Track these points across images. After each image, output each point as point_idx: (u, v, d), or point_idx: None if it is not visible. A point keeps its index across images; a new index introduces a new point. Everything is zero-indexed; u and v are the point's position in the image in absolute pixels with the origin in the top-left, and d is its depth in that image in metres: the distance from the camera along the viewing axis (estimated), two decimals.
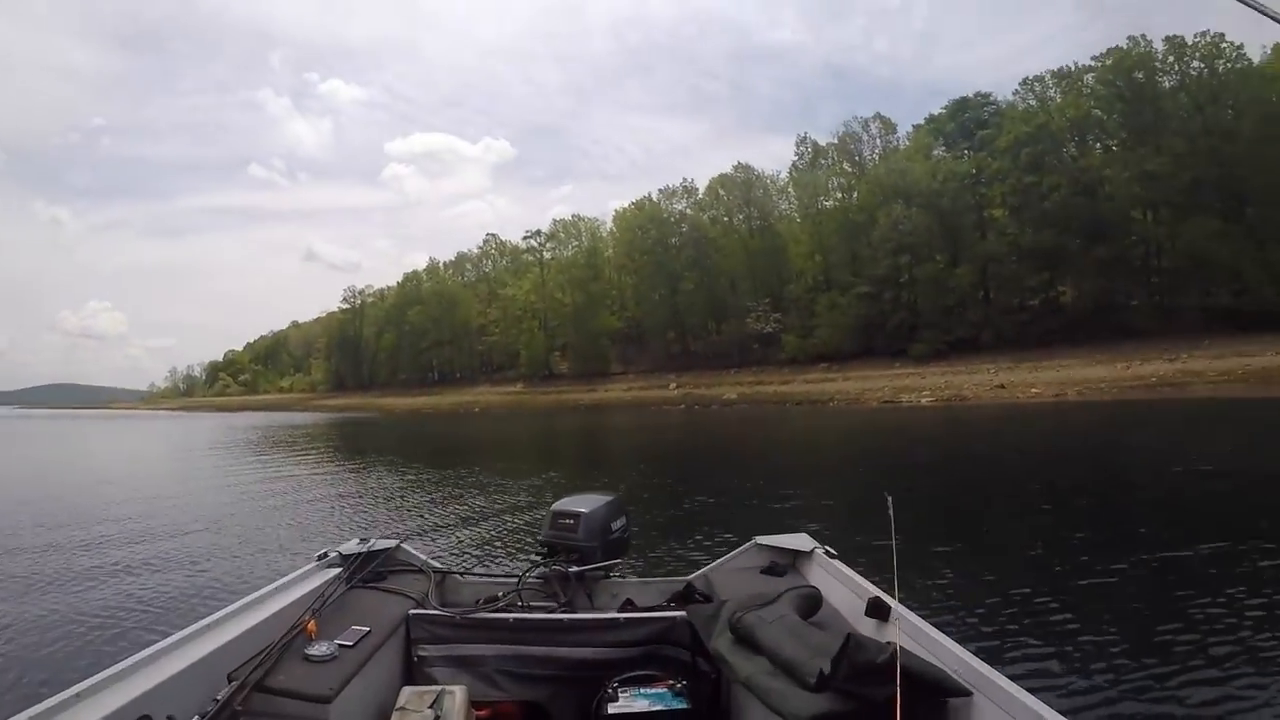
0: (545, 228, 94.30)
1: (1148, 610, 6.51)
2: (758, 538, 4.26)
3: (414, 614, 3.33)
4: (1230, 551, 8.12)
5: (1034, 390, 44.63)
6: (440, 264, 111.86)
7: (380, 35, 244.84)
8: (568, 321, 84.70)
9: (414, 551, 4.22)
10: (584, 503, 4.14)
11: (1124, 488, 13.91)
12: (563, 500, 4.21)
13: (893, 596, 2.80)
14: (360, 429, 48.47)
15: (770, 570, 3.94)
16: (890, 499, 2.81)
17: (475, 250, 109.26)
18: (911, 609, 2.72)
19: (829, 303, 65.62)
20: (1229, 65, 58.26)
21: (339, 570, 3.60)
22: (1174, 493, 12.53)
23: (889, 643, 2.01)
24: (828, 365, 63.54)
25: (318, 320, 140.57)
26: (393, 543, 4.14)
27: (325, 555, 3.80)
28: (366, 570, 3.68)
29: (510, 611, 3.41)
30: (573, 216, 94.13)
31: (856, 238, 65.94)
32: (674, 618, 3.29)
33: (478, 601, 3.53)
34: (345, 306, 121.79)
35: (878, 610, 2.86)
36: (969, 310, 60.88)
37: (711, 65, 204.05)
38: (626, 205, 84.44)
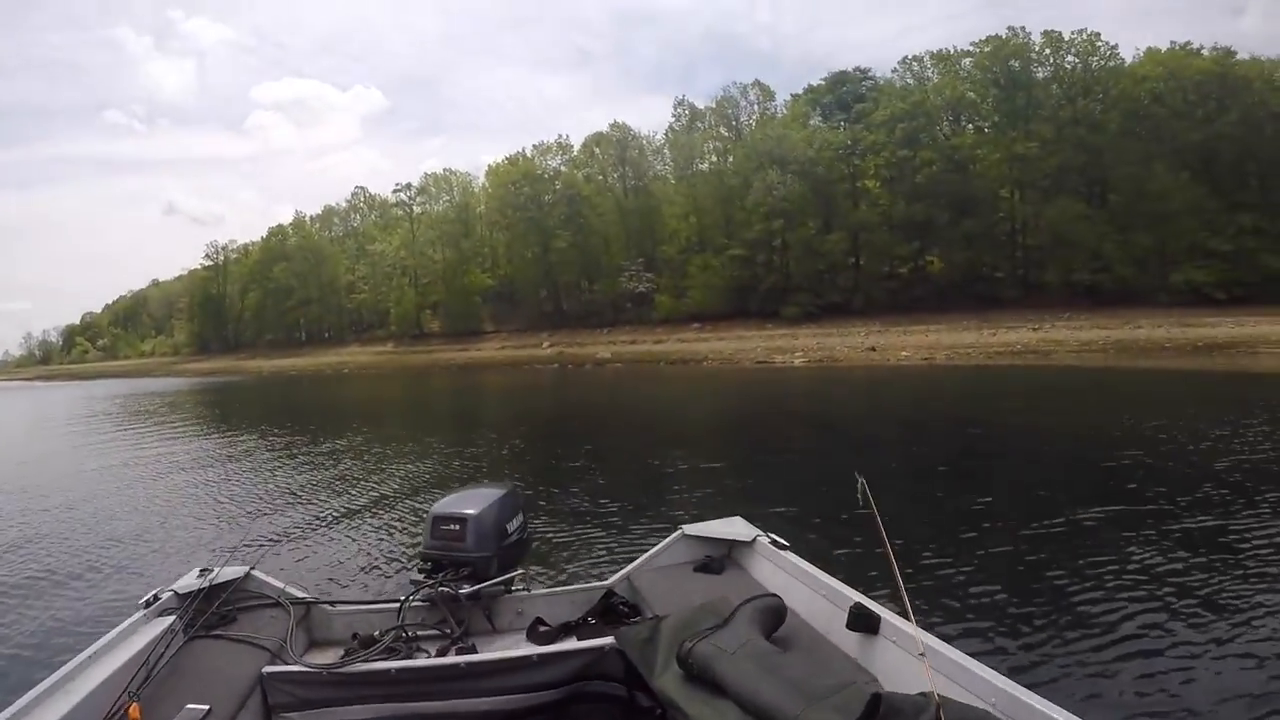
0: (416, 182, 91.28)
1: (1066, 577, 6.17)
2: (685, 527, 3.70)
3: (269, 672, 2.69)
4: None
5: (904, 353, 44.97)
6: (307, 218, 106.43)
7: None
8: (439, 279, 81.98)
9: (269, 580, 3.54)
10: (470, 501, 3.42)
11: (1011, 450, 13.64)
12: (444, 501, 3.51)
13: (879, 600, 2.38)
14: (222, 396, 45.90)
15: (705, 567, 3.41)
16: (862, 481, 2.49)
17: (344, 204, 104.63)
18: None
19: (702, 264, 65.42)
20: (1102, 62, 62.36)
21: (173, 618, 2.90)
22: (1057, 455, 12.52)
23: (926, 694, 1.62)
24: (700, 326, 63.50)
25: (179, 279, 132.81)
26: (242, 570, 3.46)
27: (155, 599, 3.05)
28: (209, 613, 3.00)
29: (393, 658, 2.85)
30: (444, 171, 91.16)
31: (731, 201, 65.79)
32: (600, 648, 2.78)
33: (352, 638, 3.05)
34: (208, 263, 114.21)
35: (863, 622, 2.36)
36: (840, 276, 61.97)
37: (594, 23, 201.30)
38: (500, 160, 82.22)
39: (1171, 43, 63.97)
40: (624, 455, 14.35)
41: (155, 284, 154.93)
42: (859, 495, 2.54)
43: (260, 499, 11.55)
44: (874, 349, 48.12)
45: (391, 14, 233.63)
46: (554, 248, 72.27)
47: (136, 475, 14.53)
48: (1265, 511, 7.81)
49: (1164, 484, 9.26)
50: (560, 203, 73.23)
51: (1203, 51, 63.55)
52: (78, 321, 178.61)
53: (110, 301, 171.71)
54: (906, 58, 66.01)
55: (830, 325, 56.90)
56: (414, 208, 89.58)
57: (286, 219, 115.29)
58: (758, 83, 73.53)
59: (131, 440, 21.02)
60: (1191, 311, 48.53)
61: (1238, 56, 64.02)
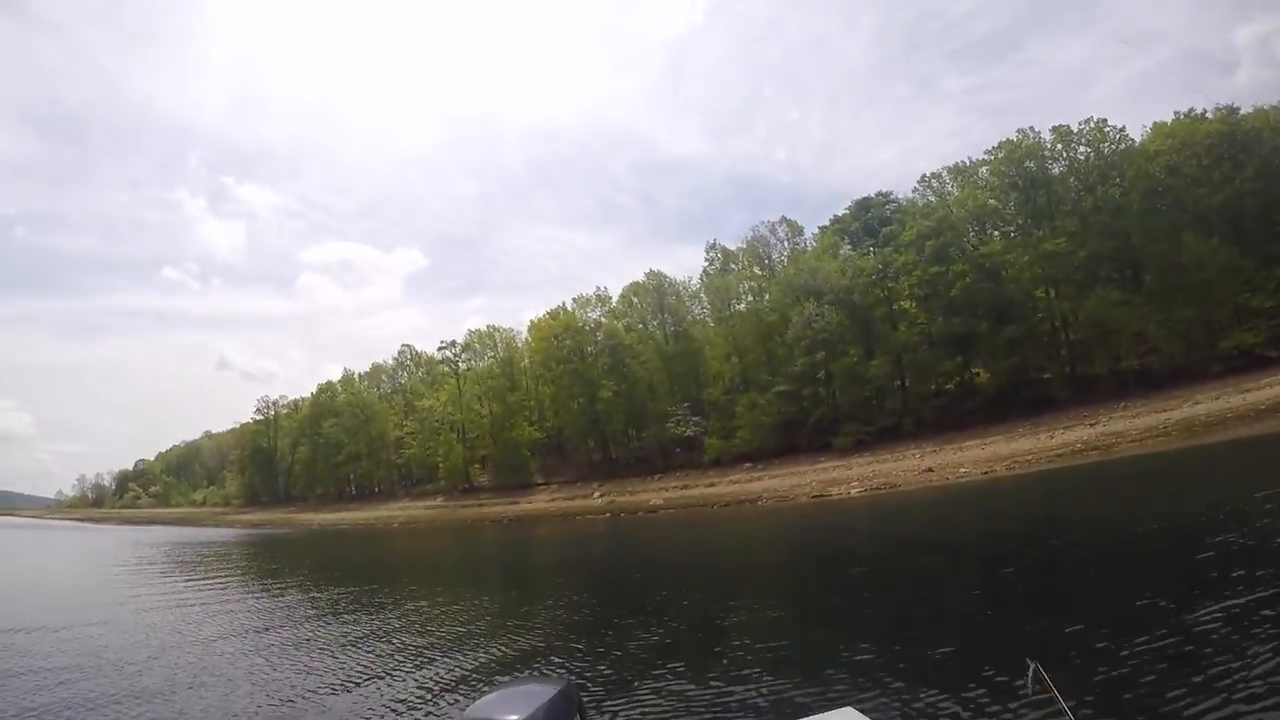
0: (460, 338, 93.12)
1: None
2: None
3: None
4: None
5: (962, 469, 44.56)
6: (355, 375, 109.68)
7: (298, 141, 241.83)
8: (486, 433, 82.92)
9: None
10: (514, 703, 2.84)
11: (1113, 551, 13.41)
12: (482, 703, 2.96)
13: None
14: (270, 550, 46.70)
15: None
16: (1034, 665, 2.30)
17: (390, 361, 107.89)
18: None
19: (748, 403, 65.38)
20: (1113, 147, 62.56)
21: None
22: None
23: None
24: (752, 465, 62.92)
25: (231, 431, 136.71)
26: None
27: None
28: None
29: None
30: (487, 327, 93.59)
31: (771, 338, 66.50)
32: None
33: None
34: (258, 417, 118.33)
35: None
36: (888, 399, 61.76)
37: (619, 178, 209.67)
38: (541, 314, 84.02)
39: (1175, 113, 64.07)
40: (685, 617, 13.59)
41: (208, 435, 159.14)
42: (1029, 683, 2.33)
43: (295, 663, 11.69)
44: (931, 469, 47.52)
45: (430, 180, 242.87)
46: (600, 397, 72.65)
47: (188, 635, 14.82)
48: None
49: (1261, 564, 9.14)
50: (603, 353, 74.17)
51: (1207, 115, 63.38)
52: (131, 467, 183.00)
53: (164, 450, 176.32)
54: (925, 175, 66.97)
55: (883, 450, 56.24)
56: (459, 364, 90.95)
57: (334, 375, 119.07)
58: (784, 219, 75.59)
59: (181, 596, 21.91)
60: (1248, 376, 47.74)
61: (1242, 112, 63.70)
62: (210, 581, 24.48)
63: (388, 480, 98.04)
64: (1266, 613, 7.61)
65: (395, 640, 13.77)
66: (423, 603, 17.95)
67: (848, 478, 50.84)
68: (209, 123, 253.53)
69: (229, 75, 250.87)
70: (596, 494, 68.16)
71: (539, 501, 71.73)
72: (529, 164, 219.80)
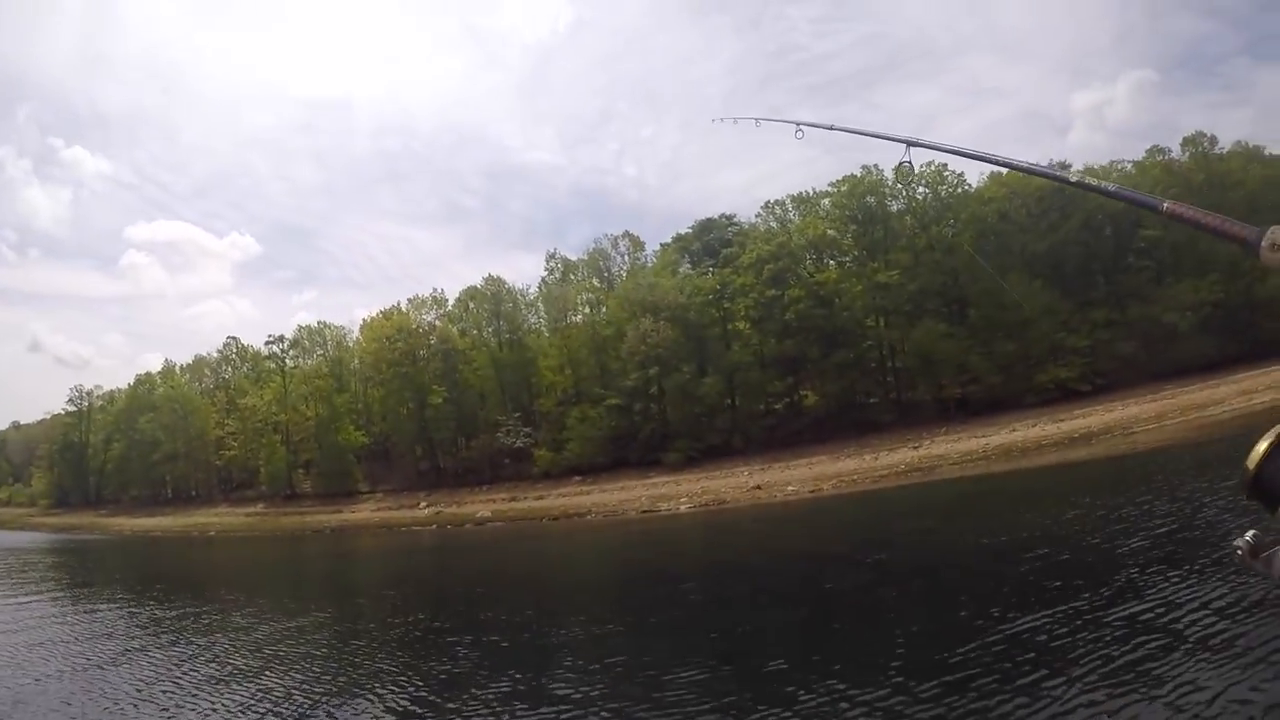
0: (289, 334, 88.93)
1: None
2: None
3: None
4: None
5: (790, 488, 44.93)
6: (176, 367, 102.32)
7: (140, 108, 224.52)
8: (311, 436, 78.70)
9: None
10: None
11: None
12: None
13: None
14: (79, 558, 43.65)
15: None
16: None
17: (215, 355, 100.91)
18: None
19: (580, 415, 64.50)
20: (950, 190, 65.81)
21: None
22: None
23: None
24: (582, 478, 61.98)
25: (41, 423, 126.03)
26: None
27: None
28: None
29: None
30: (318, 323, 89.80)
31: (605, 351, 66.05)
32: None
33: None
34: (71, 409, 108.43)
35: None
36: (718, 417, 62.16)
37: (467, 179, 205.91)
38: (374, 314, 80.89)
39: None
40: (513, 633, 13.19)
41: (15, 426, 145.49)
42: None
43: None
44: (759, 487, 47.60)
45: (273, 163, 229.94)
46: (430, 403, 70.37)
47: None
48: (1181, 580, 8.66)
49: (1078, 575, 9.83)
50: (435, 357, 71.65)
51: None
52: None
53: None
54: (769, 202, 68.89)
55: (713, 467, 56.36)
56: (286, 361, 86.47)
57: (154, 366, 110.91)
58: (628, 233, 75.91)
59: None
60: (1062, 407, 51.04)
61: (1072, 168, 67.16)
62: (7, 597, 21.32)
63: (206, 484, 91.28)
64: (1077, 622, 8.29)
65: (223, 663, 12.82)
66: (245, 621, 16.89)
67: (677, 493, 50.67)
68: (47, 77, 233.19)
69: (79, 28, 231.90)
70: (423, 504, 65.84)
71: (364, 511, 69.00)
72: (378, 156, 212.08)
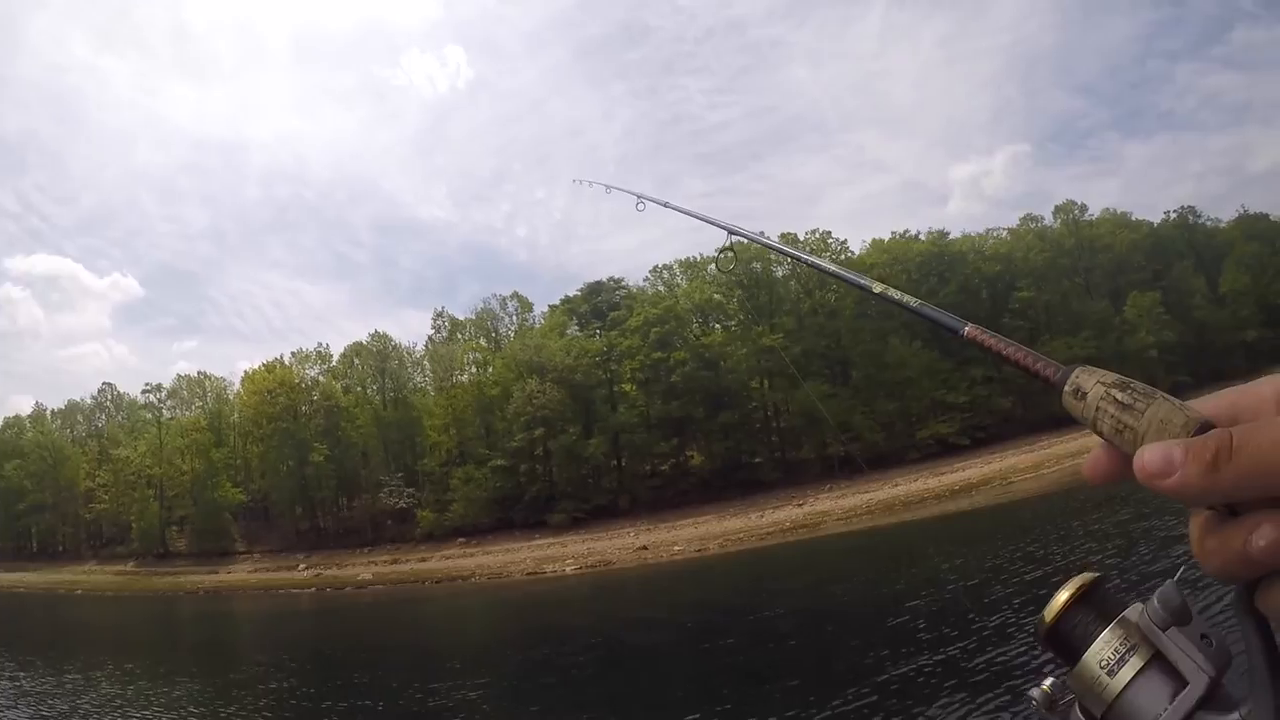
0: (168, 383, 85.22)
1: None
2: None
3: None
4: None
5: (676, 548, 44.98)
6: (48, 412, 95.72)
7: (31, 134, 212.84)
8: (187, 491, 74.75)
9: None
10: None
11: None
12: None
13: None
14: None
15: None
16: None
17: (89, 400, 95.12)
18: None
19: (464, 476, 63.28)
20: (834, 256, 66.72)
21: None
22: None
23: None
24: (466, 540, 60.76)
25: None
26: None
27: None
28: None
29: None
30: (199, 373, 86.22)
31: (491, 411, 65.37)
32: None
33: None
34: None
35: None
36: (605, 478, 62.63)
37: (358, 232, 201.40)
38: (257, 366, 77.77)
39: (892, 232, 69.94)
40: (393, 700, 12.83)
41: None
42: None
43: None
44: (645, 548, 47.49)
45: (162, 202, 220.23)
46: (311, 461, 68.03)
47: None
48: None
49: (947, 624, 10.20)
50: (318, 414, 69.83)
51: (920, 236, 69.26)
52: None
53: None
54: (657, 266, 70.05)
55: (599, 528, 56.08)
56: (163, 411, 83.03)
57: (25, 410, 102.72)
58: (516, 294, 75.62)
59: None
60: (942, 461, 52.96)
61: (950, 236, 70.13)
62: None
63: (74, 538, 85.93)
64: (951, 666, 8.78)
65: None
66: (113, 688, 15.84)
67: (563, 555, 50.23)
68: None
69: None
70: (302, 566, 63.48)
71: (240, 572, 66.10)
72: (269, 204, 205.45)
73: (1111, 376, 0.65)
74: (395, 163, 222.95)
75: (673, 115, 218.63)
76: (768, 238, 1.64)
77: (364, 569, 58.62)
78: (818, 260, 1.30)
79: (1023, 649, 8.81)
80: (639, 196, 2.92)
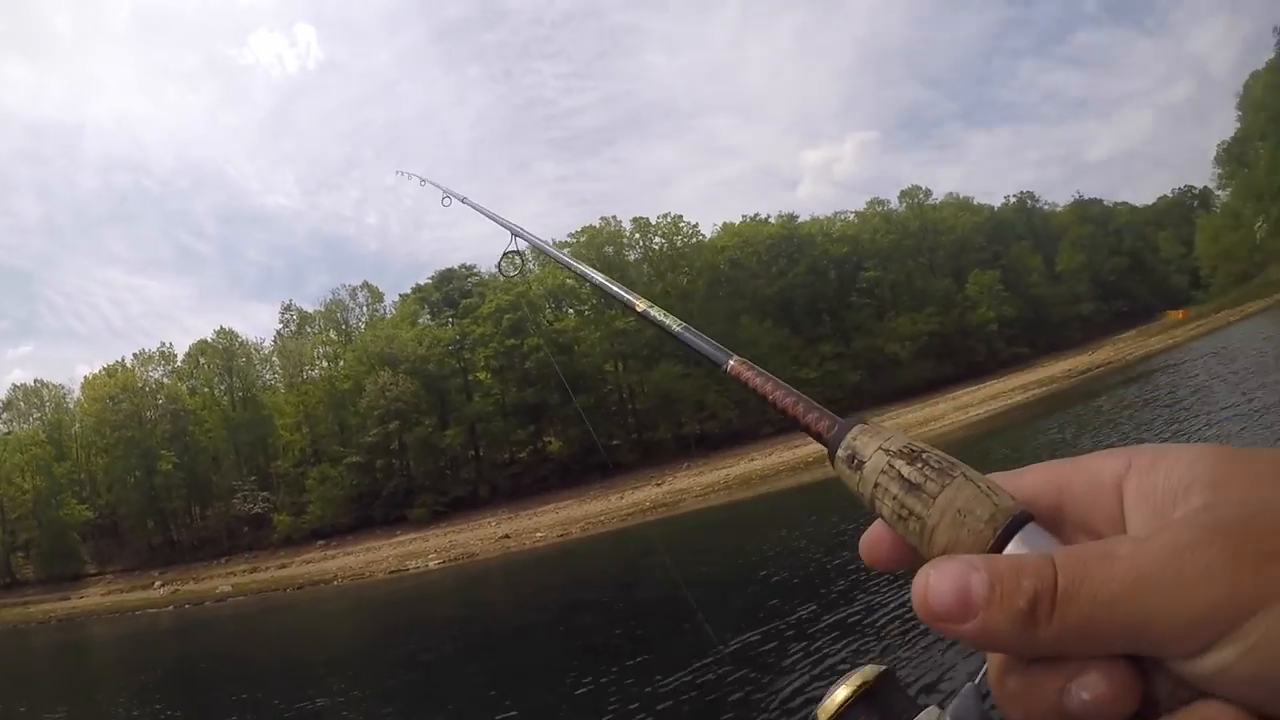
0: (2, 394, 79.34)
1: None
2: None
3: None
4: None
5: (538, 534, 44.67)
6: None
7: None
8: (29, 512, 70.09)
9: None
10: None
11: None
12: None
13: None
14: None
15: None
16: None
17: None
18: None
19: (320, 475, 61.92)
20: (686, 240, 68.58)
21: None
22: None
23: None
24: (325, 542, 59.46)
25: None
26: None
27: None
28: None
29: None
30: (35, 382, 79.96)
31: (344, 406, 64.17)
32: None
33: None
34: None
35: None
36: (462, 469, 62.10)
37: (202, 222, 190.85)
38: (97, 371, 73.71)
39: (743, 216, 71.89)
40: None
41: None
42: None
43: None
44: (508, 536, 47.15)
45: None
46: (159, 470, 65.27)
47: None
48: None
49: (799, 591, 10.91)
50: (164, 419, 66.88)
51: (770, 220, 71.53)
52: None
53: None
54: (508, 251, 68.40)
55: (460, 520, 55.65)
56: None
57: None
58: (366, 284, 74.45)
59: None
60: (796, 435, 51.60)
61: (800, 219, 72.64)
62: None
63: None
64: (806, 631, 9.32)
65: None
66: None
67: (425, 550, 49.56)
68: None
69: None
70: (158, 584, 60.71)
71: (94, 595, 62.60)
72: (108, 193, 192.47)
73: (899, 440, 0.51)
74: (241, 148, 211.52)
75: (528, 100, 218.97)
76: (553, 244, 1.67)
77: (222, 580, 56.68)
78: (588, 271, 1.26)
79: (859, 608, 9.84)
80: (445, 192, 3.04)
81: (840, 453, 0.53)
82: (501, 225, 2.09)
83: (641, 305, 1.02)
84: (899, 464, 0.48)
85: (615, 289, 1.13)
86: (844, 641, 8.81)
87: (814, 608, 10.47)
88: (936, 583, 0.42)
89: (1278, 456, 0.41)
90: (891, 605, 9.65)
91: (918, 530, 0.47)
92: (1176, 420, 17.42)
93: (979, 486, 0.46)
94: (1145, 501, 0.44)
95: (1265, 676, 0.36)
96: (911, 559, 0.49)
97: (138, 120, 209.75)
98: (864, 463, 0.50)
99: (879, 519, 0.50)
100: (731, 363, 0.69)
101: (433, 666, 13.96)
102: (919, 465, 0.48)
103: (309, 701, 12.33)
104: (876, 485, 0.49)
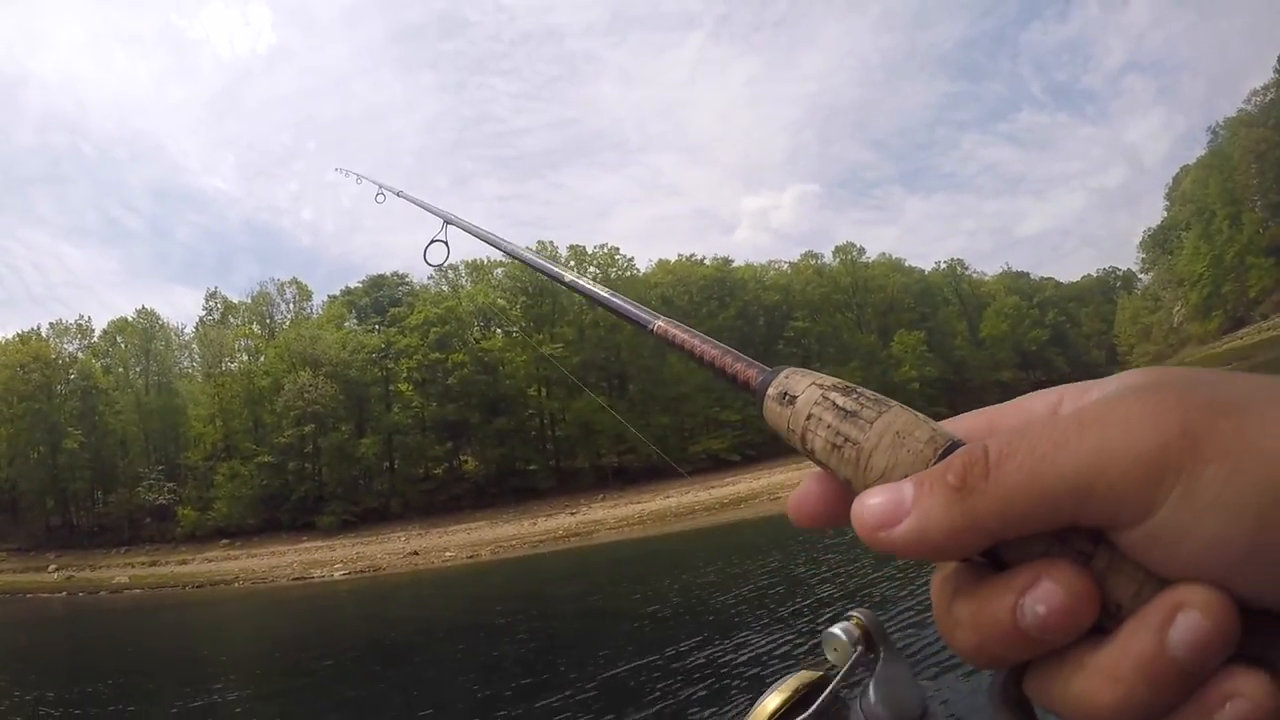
0: None
1: None
2: None
3: None
4: None
5: (448, 554, 44.46)
6: None
7: None
8: None
9: None
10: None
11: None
12: None
13: None
14: None
15: None
16: None
17: None
18: None
19: (229, 472, 60.52)
20: (621, 272, 69.78)
21: None
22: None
23: None
24: (229, 542, 58.12)
25: None
26: None
27: None
28: None
29: None
30: None
31: (261, 403, 63.00)
32: None
33: None
34: None
35: None
36: (376, 480, 61.65)
37: (136, 196, 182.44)
38: (9, 336, 70.53)
39: (679, 254, 73.45)
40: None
41: None
42: None
43: None
44: (416, 553, 46.90)
45: None
46: (64, 448, 63.10)
47: None
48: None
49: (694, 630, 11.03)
50: (74, 395, 64.67)
51: (706, 261, 73.17)
52: None
53: None
54: (442, 265, 68.85)
55: (369, 532, 55.23)
56: None
57: None
58: (296, 280, 73.46)
59: None
60: (713, 475, 54.63)
61: (735, 264, 74.44)
62: None
63: None
64: (701, 662, 9.71)
65: None
66: None
67: (331, 559, 48.98)
68: None
69: None
70: (53, 567, 58.69)
71: None
72: (43, 152, 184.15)
73: (832, 379, 0.48)
74: (183, 125, 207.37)
75: (478, 114, 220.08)
76: (487, 230, 1.66)
77: (120, 571, 55.25)
78: (519, 249, 1.31)
79: (746, 650, 10.19)
80: (380, 187, 2.97)
81: (770, 392, 0.49)
82: (433, 213, 2.05)
83: (569, 276, 1.03)
84: (834, 395, 0.46)
85: (543, 263, 1.16)
86: (710, 678, 9.43)
87: (704, 644, 11.02)
88: (871, 496, 0.41)
89: (1214, 370, 0.39)
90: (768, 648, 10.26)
91: (853, 457, 0.44)
92: None
93: (916, 415, 0.44)
94: None
95: (1229, 539, 0.33)
96: (841, 511, 0.46)
97: (83, 81, 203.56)
98: (796, 398, 0.47)
99: (809, 470, 0.47)
100: (658, 323, 0.66)
101: (325, 676, 14.10)
102: (854, 395, 0.46)
103: (197, 699, 12.47)
104: (809, 417, 0.46)
